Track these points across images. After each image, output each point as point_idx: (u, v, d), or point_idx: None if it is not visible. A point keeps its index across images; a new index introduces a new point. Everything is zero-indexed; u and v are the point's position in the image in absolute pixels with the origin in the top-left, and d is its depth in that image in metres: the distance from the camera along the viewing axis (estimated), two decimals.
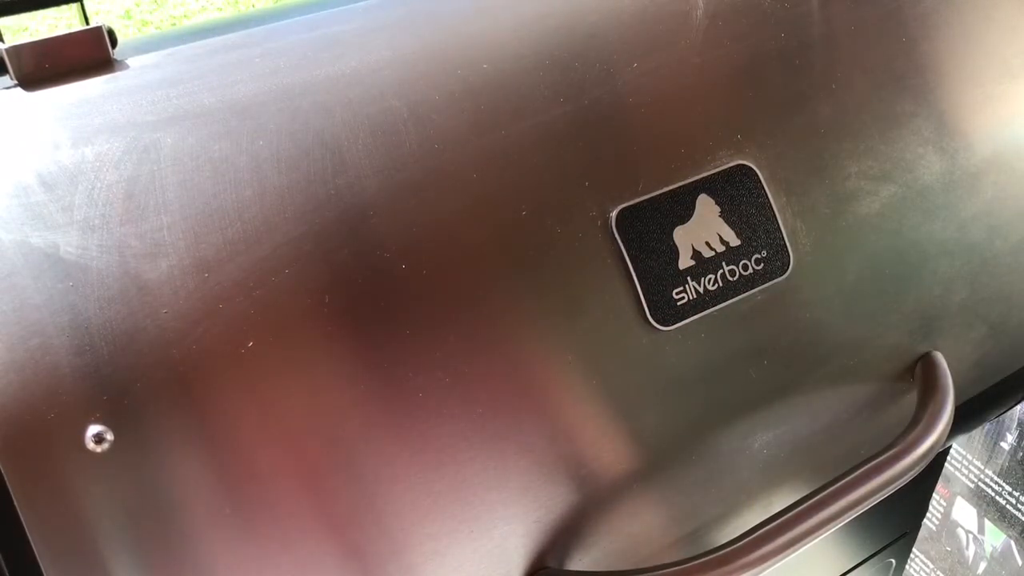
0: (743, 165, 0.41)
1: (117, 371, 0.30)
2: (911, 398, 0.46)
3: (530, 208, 0.37)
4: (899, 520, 0.70)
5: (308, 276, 0.33)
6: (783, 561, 0.39)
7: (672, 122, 0.40)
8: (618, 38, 0.40)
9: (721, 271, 0.40)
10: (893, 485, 0.41)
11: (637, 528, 0.41)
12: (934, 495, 0.69)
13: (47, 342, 0.29)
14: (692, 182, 0.40)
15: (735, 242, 0.40)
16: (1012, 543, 0.63)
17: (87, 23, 0.42)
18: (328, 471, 0.33)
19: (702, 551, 0.38)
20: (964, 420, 0.54)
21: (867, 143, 0.44)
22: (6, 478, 0.29)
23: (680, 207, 0.39)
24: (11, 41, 0.36)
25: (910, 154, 0.45)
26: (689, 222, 0.40)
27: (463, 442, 0.35)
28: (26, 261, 0.30)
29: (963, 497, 0.66)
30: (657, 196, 0.39)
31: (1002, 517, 0.64)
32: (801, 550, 0.39)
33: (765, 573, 0.38)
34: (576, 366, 0.37)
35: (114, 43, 0.37)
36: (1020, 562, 0.63)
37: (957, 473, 0.66)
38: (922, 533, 0.70)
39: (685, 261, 0.39)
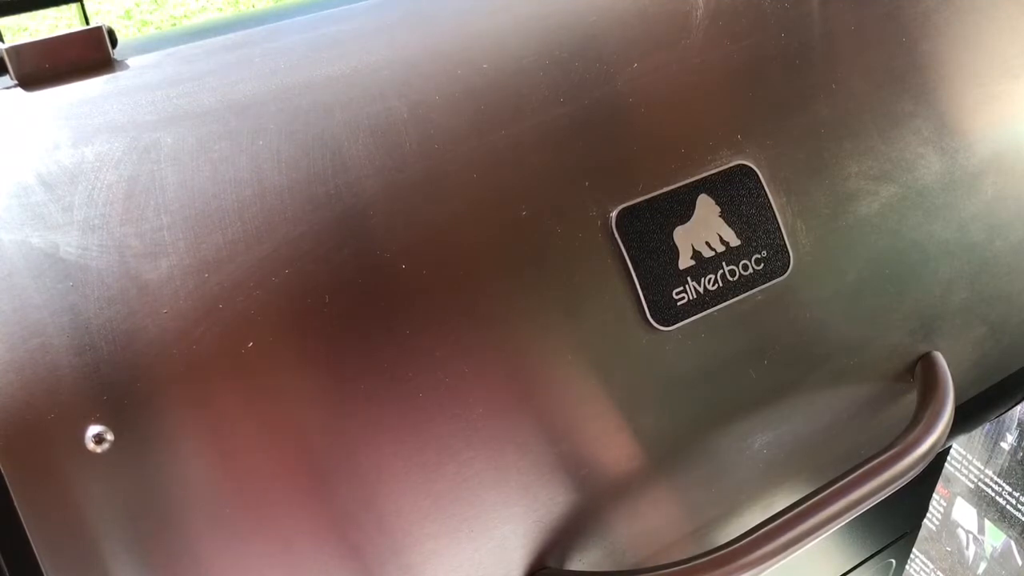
0: (743, 165, 0.41)
1: (117, 371, 0.30)
2: (911, 398, 0.46)
3: (530, 208, 0.37)
4: (899, 520, 0.70)
5: (308, 276, 0.33)
6: (784, 561, 0.39)
7: (672, 122, 0.40)
8: (618, 38, 0.40)
9: (721, 271, 0.40)
10: (893, 485, 0.41)
11: (637, 528, 0.41)
12: (934, 495, 0.69)
13: (47, 342, 0.29)
14: (692, 182, 0.40)
15: (735, 242, 0.40)
16: (1012, 543, 0.63)
17: (87, 23, 0.42)
18: (328, 471, 0.33)
19: (702, 551, 0.38)
20: (964, 420, 0.54)
21: (867, 143, 0.44)
22: (6, 478, 0.29)
23: (680, 207, 0.39)
24: (11, 41, 0.36)
25: (910, 154, 0.45)
26: (689, 222, 0.40)
27: (463, 442, 0.35)
28: (26, 261, 0.30)
29: (963, 497, 0.66)
30: (657, 196, 0.39)
31: (1002, 517, 0.64)
32: (801, 550, 0.39)
33: (766, 573, 0.38)
34: (576, 366, 0.37)
35: (114, 43, 0.37)
36: (1020, 562, 0.63)
37: (957, 473, 0.66)
38: (922, 533, 0.70)
39: (685, 261, 0.39)
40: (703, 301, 0.39)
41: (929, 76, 0.46)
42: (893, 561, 0.72)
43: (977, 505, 0.65)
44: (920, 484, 0.60)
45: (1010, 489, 0.62)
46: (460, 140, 0.36)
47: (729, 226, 0.40)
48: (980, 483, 0.64)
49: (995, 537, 0.65)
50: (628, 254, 0.38)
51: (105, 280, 0.30)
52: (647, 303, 0.38)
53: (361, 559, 0.34)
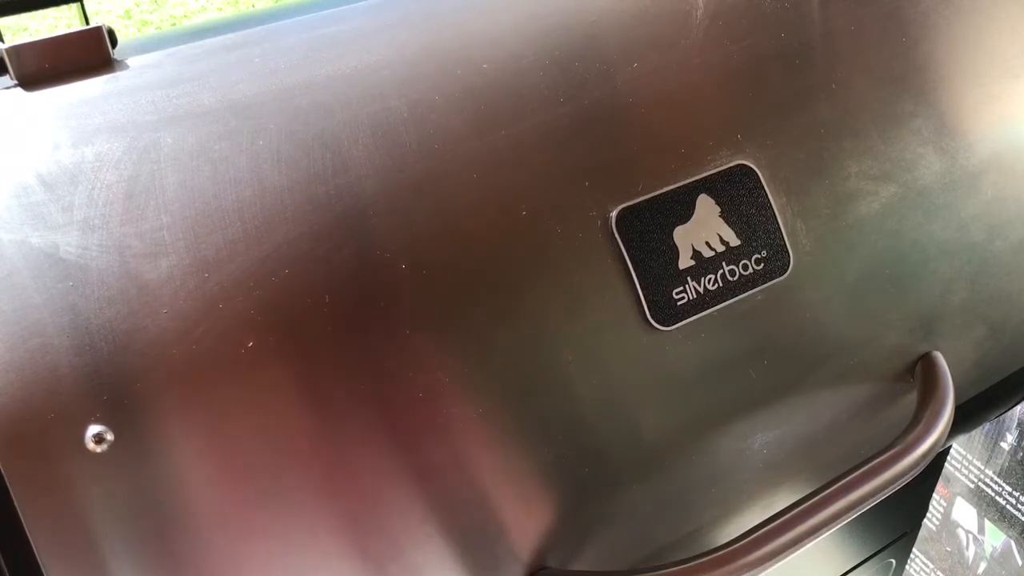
0: (743, 165, 0.41)
1: (117, 371, 0.30)
2: (911, 398, 0.46)
3: (530, 208, 0.37)
4: (899, 520, 0.70)
5: (308, 276, 0.33)
6: (783, 561, 0.39)
7: (672, 122, 0.40)
8: (618, 38, 0.40)
9: (721, 271, 0.40)
10: (893, 485, 0.41)
11: (637, 528, 0.41)
12: (934, 495, 0.69)
13: (47, 342, 0.29)
14: (692, 182, 0.40)
15: (735, 242, 0.40)
16: (1012, 543, 0.63)
17: (87, 23, 0.42)
18: (328, 471, 0.33)
19: (702, 551, 0.38)
20: (964, 420, 0.54)
21: (867, 143, 0.44)
22: (6, 478, 0.29)
23: (680, 207, 0.39)
24: (11, 41, 0.36)
25: (910, 154, 0.45)
26: (689, 222, 0.40)
27: (463, 442, 0.35)
28: (26, 261, 0.30)
29: (963, 497, 0.66)
30: (657, 196, 0.39)
31: (1002, 517, 0.64)
32: (801, 550, 0.39)
33: (765, 573, 0.38)
34: (576, 366, 0.37)
35: (114, 43, 0.37)
36: (1020, 562, 0.63)
37: (957, 473, 0.66)
38: (922, 533, 0.70)
39: (685, 261, 0.39)
40: (703, 301, 0.39)
41: (929, 76, 0.46)
42: (893, 561, 0.72)
43: (977, 505, 0.65)
44: (920, 484, 0.60)
45: (1010, 489, 0.62)
46: (460, 140, 0.36)
47: (729, 226, 0.40)
48: (980, 483, 0.64)
49: (995, 537, 0.65)
50: (628, 254, 0.38)
51: (105, 280, 0.30)
52: (647, 303, 0.38)
53: (361, 559, 0.34)
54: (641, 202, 0.38)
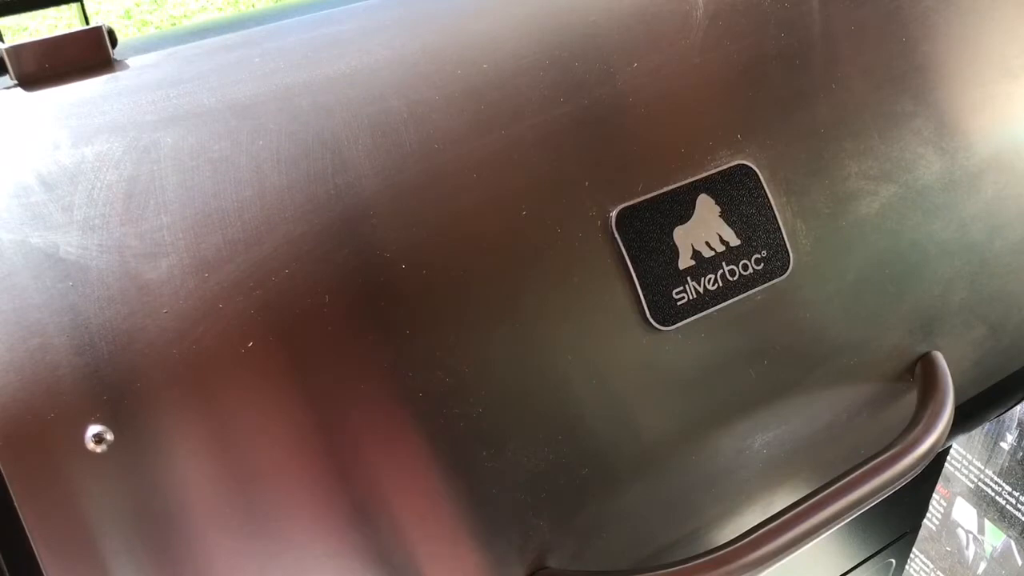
0: (743, 165, 0.41)
1: (117, 371, 0.30)
2: (911, 398, 0.46)
3: (530, 208, 0.37)
4: (899, 520, 0.70)
5: (308, 276, 0.33)
6: (783, 561, 0.39)
7: (672, 122, 0.40)
8: (618, 38, 0.40)
9: (721, 271, 0.40)
10: (893, 485, 0.41)
11: (637, 528, 0.41)
12: (934, 495, 0.69)
13: (47, 342, 0.29)
14: (692, 182, 0.40)
15: (735, 242, 0.40)
16: (1012, 543, 0.63)
17: (87, 23, 0.42)
18: (327, 471, 0.33)
19: (702, 551, 0.38)
20: (964, 420, 0.54)
21: (867, 143, 0.44)
22: (6, 478, 0.29)
23: (680, 207, 0.39)
24: (11, 41, 0.36)
25: (910, 154, 0.45)
26: (689, 222, 0.40)
27: (462, 441, 0.35)
28: (26, 261, 0.30)
29: (963, 497, 0.66)
30: (657, 196, 0.39)
31: (1002, 517, 0.64)
32: (801, 550, 0.39)
33: (765, 573, 0.38)
34: (576, 366, 0.37)
35: (114, 43, 0.37)
36: (1020, 562, 0.63)
37: (957, 473, 0.66)
38: (922, 533, 0.70)
39: (685, 261, 0.39)
40: (703, 301, 0.39)
41: (929, 76, 0.46)
42: (893, 561, 0.72)
43: (977, 505, 0.65)
44: (920, 484, 0.60)
45: (1010, 489, 0.62)
46: (460, 140, 0.36)
47: (729, 226, 0.40)
48: (980, 483, 0.64)
49: (995, 537, 0.65)
50: (628, 254, 0.38)
51: (105, 280, 0.30)
52: (647, 303, 0.38)
53: (360, 559, 0.34)
54: (641, 202, 0.38)
